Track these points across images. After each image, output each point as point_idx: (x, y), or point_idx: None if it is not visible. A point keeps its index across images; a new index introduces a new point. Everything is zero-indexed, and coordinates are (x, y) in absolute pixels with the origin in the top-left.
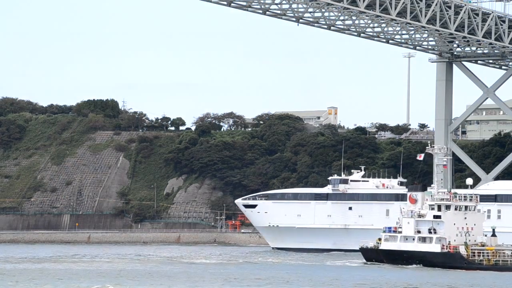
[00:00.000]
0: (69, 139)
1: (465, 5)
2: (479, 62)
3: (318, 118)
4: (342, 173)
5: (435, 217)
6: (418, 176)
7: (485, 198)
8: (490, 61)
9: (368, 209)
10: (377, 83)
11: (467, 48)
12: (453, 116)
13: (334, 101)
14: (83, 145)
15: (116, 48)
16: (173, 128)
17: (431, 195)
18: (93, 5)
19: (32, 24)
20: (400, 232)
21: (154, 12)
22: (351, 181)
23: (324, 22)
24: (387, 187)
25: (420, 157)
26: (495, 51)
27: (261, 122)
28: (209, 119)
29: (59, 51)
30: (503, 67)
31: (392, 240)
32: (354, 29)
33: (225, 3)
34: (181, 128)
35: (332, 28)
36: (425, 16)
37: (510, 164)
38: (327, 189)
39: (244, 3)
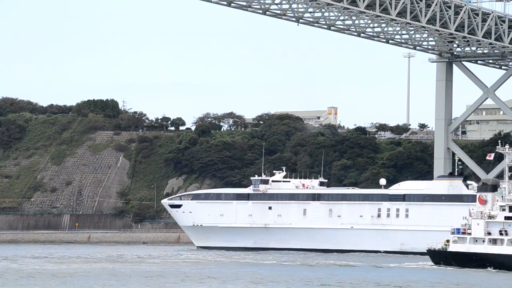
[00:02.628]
0: (69, 139)
1: (465, 5)
2: (479, 62)
3: (318, 118)
4: (263, 173)
5: (507, 218)
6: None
7: (394, 198)
8: (490, 61)
9: (287, 209)
10: (377, 83)
11: (467, 48)
12: (453, 116)
13: (334, 101)
14: (83, 145)
15: (115, 48)
16: (173, 128)
17: (502, 196)
18: (93, 5)
19: (32, 24)
20: (470, 233)
21: (154, 12)
22: (273, 181)
23: (324, 22)
24: (307, 187)
25: (490, 156)
26: (495, 51)
27: (261, 122)
28: (209, 119)
29: (59, 51)
30: (503, 67)
31: (461, 242)
32: (354, 29)
33: (225, 3)
34: (181, 128)
35: (332, 28)
36: (425, 16)
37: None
38: (249, 190)
39: (244, 3)
